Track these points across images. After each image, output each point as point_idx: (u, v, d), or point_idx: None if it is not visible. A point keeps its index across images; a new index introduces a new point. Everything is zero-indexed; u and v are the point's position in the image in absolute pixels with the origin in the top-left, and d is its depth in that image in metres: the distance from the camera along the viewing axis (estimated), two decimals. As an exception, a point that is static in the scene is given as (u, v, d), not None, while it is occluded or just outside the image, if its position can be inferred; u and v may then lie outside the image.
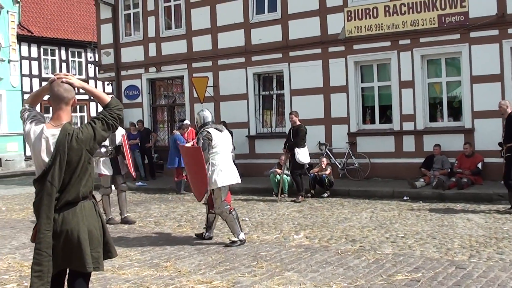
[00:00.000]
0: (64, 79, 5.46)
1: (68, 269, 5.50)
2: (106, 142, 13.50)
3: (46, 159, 5.25)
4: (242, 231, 11.47)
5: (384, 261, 9.50)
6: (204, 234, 12.05)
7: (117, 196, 14.91)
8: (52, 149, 5.25)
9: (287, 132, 19.33)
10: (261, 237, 11.98)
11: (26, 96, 32.31)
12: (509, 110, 14.28)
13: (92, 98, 38.43)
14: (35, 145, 5.35)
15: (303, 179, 17.85)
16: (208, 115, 11.90)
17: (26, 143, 5.54)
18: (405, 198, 16.85)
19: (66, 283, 5.61)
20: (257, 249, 10.85)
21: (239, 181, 11.89)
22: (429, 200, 16.41)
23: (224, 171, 11.31)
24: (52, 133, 5.30)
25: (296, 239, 11.67)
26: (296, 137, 17.66)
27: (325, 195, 17.98)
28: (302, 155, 17.51)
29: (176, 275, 9.16)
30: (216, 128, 11.61)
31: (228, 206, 11.42)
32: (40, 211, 5.18)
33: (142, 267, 9.80)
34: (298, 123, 18.09)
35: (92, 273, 9.12)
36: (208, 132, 11.38)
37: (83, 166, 5.34)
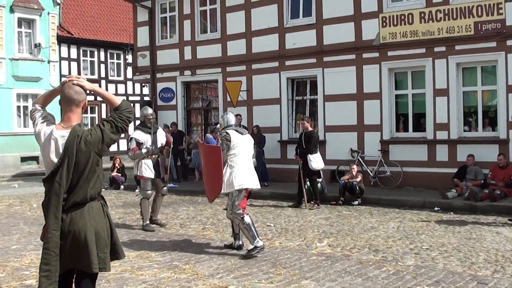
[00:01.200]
0: (75, 82, 5.48)
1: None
2: (148, 143, 13.59)
3: (55, 160, 5.29)
4: (258, 237, 10.89)
5: (405, 273, 9.31)
6: (233, 244, 11.49)
7: (154, 197, 14.42)
8: (61, 151, 5.28)
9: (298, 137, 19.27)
10: (284, 244, 11.85)
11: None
12: None
13: (128, 99, 38.87)
14: (45, 145, 5.40)
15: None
16: (232, 118, 11.64)
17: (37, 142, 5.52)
18: (436, 208, 16.56)
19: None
20: (277, 255, 10.73)
21: (258, 186, 11.65)
22: (460, 211, 16.11)
23: (242, 174, 11.00)
24: (61, 134, 5.33)
25: (319, 247, 11.52)
26: (309, 144, 17.44)
27: (356, 202, 17.77)
28: (315, 161, 17.33)
29: (193, 278, 9.12)
30: (236, 130, 11.40)
31: (241, 211, 10.93)
32: (48, 211, 5.23)
33: (160, 269, 9.79)
34: (310, 128, 17.92)
35: (110, 273, 9.23)
36: (227, 133, 11.17)
37: (91, 168, 5.36)
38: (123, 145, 41.01)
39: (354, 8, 21.32)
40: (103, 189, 20.28)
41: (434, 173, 19.53)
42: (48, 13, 36.15)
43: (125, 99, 5.79)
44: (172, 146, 14.95)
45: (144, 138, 13.76)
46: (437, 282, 8.77)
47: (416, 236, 12.55)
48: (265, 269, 9.70)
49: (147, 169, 13.78)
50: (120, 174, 24.56)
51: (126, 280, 9.03)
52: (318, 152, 17.62)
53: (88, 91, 5.56)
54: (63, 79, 5.65)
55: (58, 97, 5.61)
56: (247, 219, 10.90)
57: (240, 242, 11.39)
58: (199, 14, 26.16)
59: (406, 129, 20.84)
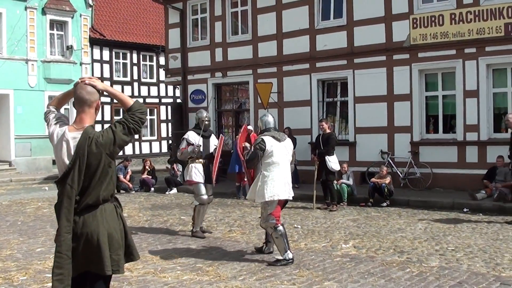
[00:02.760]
0: (87, 81, 5.45)
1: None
2: (200, 142, 13.23)
3: (67, 162, 5.26)
4: (289, 249, 10.36)
5: (428, 274, 9.28)
6: (264, 248, 11.25)
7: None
8: (72, 152, 5.26)
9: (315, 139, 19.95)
10: (309, 245, 11.86)
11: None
12: None
13: (161, 101, 39.02)
14: (57, 147, 5.38)
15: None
16: (271, 120, 11.09)
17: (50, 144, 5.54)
18: (465, 210, 16.47)
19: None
20: (302, 257, 10.74)
21: (289, 197, 10.76)
22: (489, 212, 16.02)
23: (274, 185, 10.35)
24: (73, 136, 5.31)
25: (344, 249, 11.52)
26: (327, 145, 17.48)
27: (384, 204, 17.74)
28: (334, 162, 17.35)
29: (216, 280, 9.14)
30: (273, 137, 10.65)
31: (274, 221, 10.37)
32: (61, 214, 5.20)
33: (184, 271, 9.81)
34: (328, 130, 17.97)
35: (132, 275, 9.29)
36: (262, 140, 10.53)
37: (103, 170, 5.30)
38: (155, 147, 41.29)
39: (384, 10, 21.26)
40: (134, 192, 20.63)
41: (463, 175, 19.42)
42: (80, 15, 36.44)
43: (138, 100, 5.76)
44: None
45: (196, 139, 13.30)
46: (460, 283, 8.73)
47: (442, 237, 12.50)
48: (289, 271, 9.71)
49: (197, 174, 13.27)
50: (150, 176, 24.67)
51: (148, 282, 9.06)
52: (335, 155, 17.60)
53: (101, 92, 5.53)
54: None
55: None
56: (280, 229, 10.38)
57: (272, 249, 11.09)
58: (230, 16, 26.26)
59: (436, 131, 20.73)
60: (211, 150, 13.51)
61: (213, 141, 13.70)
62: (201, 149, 13.24)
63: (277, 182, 10.42)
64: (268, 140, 10.55)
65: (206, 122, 13.55)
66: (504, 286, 8.56)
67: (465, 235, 12.76)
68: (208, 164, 13.36)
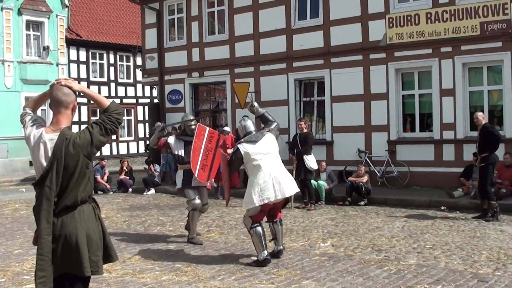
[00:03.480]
0: (63, 83, 5.47)
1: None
2: (181, 153, 12.65)
3: (44, 164, 5.27)
4: (265, 249, 10.18)
5: (406, 272, 9.34)
6: (274, 249, 10.76)
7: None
8: (50, 154, 5.26)
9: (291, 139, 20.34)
10: (287, 244, 11.83)
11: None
12: (483, 122, 15.06)
13: (138, 101, 38.89)
14: (35, 149, 5.38)
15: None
16: (250, 124, 10.80)
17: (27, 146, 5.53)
18: (442, 208, 16.58)
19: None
20: (280, 256, 10.74)
21: (286, 195, 10.36)
22: (466, 210, 16.09)
23: (261, 189, 10.05)
24: (50, 137, 5.31)
25: (322, 247, 11.55)
26: (305, 145, 17.59)
27: (362, 203, 17.81)
28: (312, 162, 17.41)
29: (194, 281, 9.14)
30: (248, 141, 10.35)
31: (250, 222, 10.33)
32: (40, 216, 5.20)
33: (162, 271, 9.80)
34: (306, 130, 18.11)
35: (111, 276, 9.27)
36: (237, 149, 10.39)
37: (81, 171, 5.32)
38: (132, 148, 41.19)
39: (361, 9, 21.36)
40: (111, 192, 20.57)
41: (440, 173, 19.56)
42: (57, 16, 36.22)
43: (114, 100, 5.76)
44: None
45: (177, 146, 12.72)
46: (437, 280, 8.79)
47: (420, 235, 12.57)
48: (267, 270, 9.73)
49: (184, 179, 12.63)
50: (128, 177, 24.59)
51: (127, 283, 9.04)
52: (312, 154, 17.65)
53: (78, 93, 5.55)
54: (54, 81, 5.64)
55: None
56: (256, 229, 10.26)
57: (281, 247, 10.75)
58: (207, 16, 26.23)
59: (413, 129, 20.87)
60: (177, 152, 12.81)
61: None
62: (164, 125, 13.01)
63: (264, 184, 10.10)
64: (242, 147, 10.33)
65: (193, 127, 12.70)
66: (481, 283, 8.61)
67: (443, 233, 12.83)
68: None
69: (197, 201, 12.52)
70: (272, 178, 10.15)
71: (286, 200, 10.97)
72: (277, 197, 10.14)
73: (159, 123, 13.07)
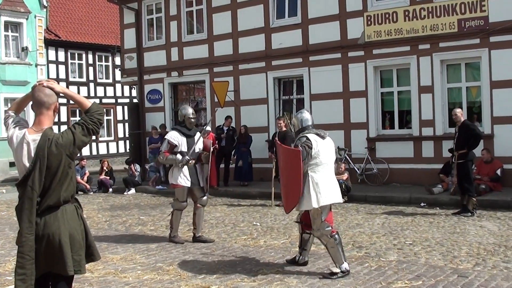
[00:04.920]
0: (45, 84, 5.53)
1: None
2: (183, 147, 12.21)
3: (27, 164, 5.32)
4: (345, 261, 9.21)
5: (387, 268, 9.40)
6: (297, 258, 9.96)
7: (193, 210, 12.73)
8: (32, 154, 5.31)
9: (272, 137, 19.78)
10: (268, 242, 11.92)
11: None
12: (462, 118, 15.26)
13: (117, 101, 38.84)
14: (18, 150, 5.43)
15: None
16: (309, 117, 9.80)
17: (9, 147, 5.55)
18: (422, 204, 16.64)
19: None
20: (261, 254, 10.81)
21: (341, 200, 9.83)
22: (446, 206, 16.20)
23: (322, 189, 9.15)
24: (33, 138, 5.37)
25: (303, 245, 11.59)
26: (284, 143, 17.50)
27: (342, 200, 17.79)
28: (291, 160, 17.36)
29: (176, 279, 9.16)
30: (317, 134, 9.52)
31: (330, 228, 9.29)
32: (22, 215, 5.25)
33: (144, 271, 9.81)
34: (284, 128, 18.12)
35: (93, 275, 9.28)
36: (307, 138, 9.35)
37: (64, 171, 5.38)
38: (112, 148, 41.09)
39: (339, 7, 21.40)
40: (92, 193, 20.52)
41: (420, 169, 19.65)
42: (35, 16, 36.04)
43: (96, 101, 5.81)
44: (212, 149, 12.86)
45: (179, 140, 12.26)
46: (418, 276, 8.86)
47: (400, 232, 12.65)
48: (249, 267, 9.76)
49: (182, 177, 12.24)
50: (108, 177, 24.52)
51: (109, 283, 9.05)
52: None
53: (59, 94, 5.59)
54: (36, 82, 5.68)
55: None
56: (336, 237, 9.28)
57: (306, 258, 9.91)
58: (185, 15, 26.21)
59: (392, 126, 20.96)
60: (197, 150, 12.42)
61: (199, 140, 12.48)
62: (190, 159, 12.22)
63: (325, 185, 9.28)
64: (313, 138, 9.40)
65: (192, 120, 12.49)
66: (461, 278, 8.68)
67: (423, 229, 12.92)
68: (195, 165, 12.39)
69: (185, 203, 12.46)
70: (328, 181, 9.38)
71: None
72: (331, 201, 9.38)
73: (186, 159, 12.19)
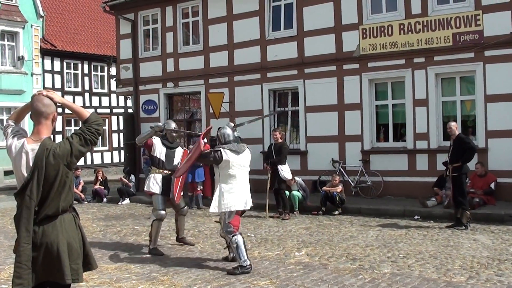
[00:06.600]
0: (44, 93, 5.56)
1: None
2: (162, 156, 12.66)
3: (26, 174, 5.35)
4: (247, 257, 10.47)
5: (380, 281, 9.44)
6: (228, 256, 11.38)
7: (175, 217, 13.44)
8: (31, 164, 5.34)
9: (266, 149, 20.43)
10: (262, 254, 11.96)
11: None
12: (457, 132, 15.39)
13: (112, 111, 38.89)
14: (16, 159, 5.45)
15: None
16: (230, 133, 10.99)
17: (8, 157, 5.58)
18: (416, 217, 16.70)
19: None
20: (256, 265, 10.79)
21: (247, 207, 11.03)
22: (440, 219, 16.25)
23: (227, 197, 10.58)
24: (31, 147, 5.40)
25: (297, 256, 11.63)
26: (280, 155, 17.68)
27: (336, 212, 17.90)
28: (286, 171, 17.53)
29: (171, 290, 9.16)
30: (231, 150, 10.65)
31: (232, 229, 10.65)
32: (20, 224, 5.28)
33: (139, 281, 9.85)
34: (280, 140, 18.20)
35: (88, 285, 9.30)
36: (220, 152, 10.57)
37: (61, 180, 5.41)
38: (107, 158, 41.06)
39: (334, 20, 21.47)
40: (86, 202, 20.50)
41: (414, 182, 19.67)
42: (31, 26, 36.14)
43: (94, 112, 5.84)
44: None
45: (159, 149, 12.72)
46: (411, 289, 8.89)
47: (394, 245, 12.69)
48: (243, 279, 9.79)
49: (154, 184, 12.62)
50: (103, 187, 24.52)
51: (104, 292, 9.06)
52: (287, 164, 17.79)
53: (58, 104, 5.63)
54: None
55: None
56: (237, 238, 10.56)
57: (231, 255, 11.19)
58: (181, 26, 26.25)
59: (386, 139, 20.99)
60: (175, 163, 12.75)
61: (178, 154, 12.93)
62: (161, 126, 12.76)
63: (236, 193, 10.68)
64: (226, 154, 10.59)
65: (174, 134, 13.02)
66: (454, 291, 8.73)
67: (416, 242, 12.96)
68: (170, 177, 12.58)
69: (163, 212, 12.65)
70: (239, 190, 10.77)
71: (242, 213, 11.64)
72: (238, 208, 10.80)
73: (159, 124, 12.95)
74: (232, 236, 10.60)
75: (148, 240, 12.90)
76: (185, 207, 13.43)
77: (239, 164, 10.76)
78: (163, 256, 12.05)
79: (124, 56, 28.21)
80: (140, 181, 25.13)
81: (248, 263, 10.37)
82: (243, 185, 10.92)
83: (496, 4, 18.39)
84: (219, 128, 11.67)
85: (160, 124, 12.89)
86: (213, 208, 10.70)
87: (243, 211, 11.55)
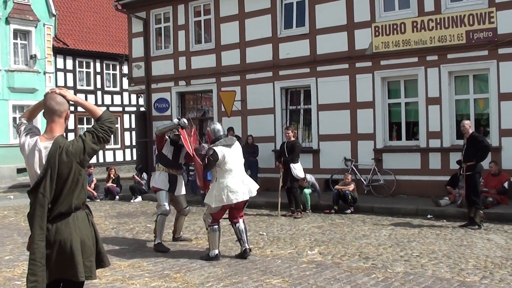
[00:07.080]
0: (57, 91, 5.55)
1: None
2: (169, 154, 12.94)
3: (39, 171, 5.33)
4: (218, 248, 11.33)
5: (393, 280, 9.37)
6: (241, 250, 11.53)
7: (175, 216, 13.63)
8: (44, 162, 5.32)
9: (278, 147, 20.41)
10: (275, 252, 11.92)
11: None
12: (471, 130, 15.14)
13: (124, 110, 38.94)
14: (29, 157, 5.42)
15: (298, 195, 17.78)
16: (220, 128, 11.66)
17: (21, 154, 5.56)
18: (428, 216, 16.62)
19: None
20: (268, 263, 10.80)
21: (242, 199, 11.20)
22: (453, 219, 16.16)
23: (226, 191, 11.02)
24: (45, 145, 5.38)
25: (310, 255, 11.58)
26: (292, 153, 17.59)
27: (349, 211, 17.83)
28: (298, 170, 17.47)
29: (183, 287, 9.20)
30: (224, 145, 11.25)
31: (210, 220, 11.34)
32: (34, 222, 5.25)
33: (152, 278, 9.83)
34: (293, 138, 18.08)
35: (101, 282, 9.29)
36: (214, 152, 11.03)
37: (74, 178, 5.38)
38: (119, 156, 41.10)
39: (347, 18, 21.44)
40: (98, 200, 20.52)
41: (427, 181, 19.59)
42: (44, 25, 36.19)
43: (107, 110, 5.83)
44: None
45: (168, 147, 13.02)
46: (425, 288, 8.84)
47: (407, 244, 12.61)
48: (255, 277, 9.75)
49: (161, 181, 12.89)
50: (115, 185, 24.57)
51: (117, 290, 9.05)
52: (299, 162, 17.74)
53: (71, 102, 5.62)
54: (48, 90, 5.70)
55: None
56: (214, 227, 11.32)
57: (246, 246, 11.44)
58: (193, 25, 26.27)
59: (399, 138, 20.93)
60: (180, 161, 13.14)
61: (184, 153, 13.10)
62: (183, 121, 12.69)
63: (231, 188, 11.07)
64: (219, 150, 11.12)
65: (176, 132, 12.93)
66: (468, 290, 8.67)
67: (429, 241, 12.88)
68: (176, 175, 13.00)
69: (167, 207, 12.86)
70: (241, 181, 11.26)
71: (244, 204, 11.68)
72: (244, 198, 11.26)
73: (185, 120, 12.84)
74: (209, 226, 11.32)
75: (153, 236, 12.98)
76: (187, 208, 13.63)
77: (233, 156, 11.25)
78: (176, 253, 12.04)
79: (136, 55, 28.27)
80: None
81: (215, 253, 11.22)
82: (241, 177, 11.38)
83: (510, 1, 18.31)
84: (209, 125, 12.04)
85: (185, 120, 12.83)
86: (216, 202, 11.16)
87: (246, 202, 11.59)
